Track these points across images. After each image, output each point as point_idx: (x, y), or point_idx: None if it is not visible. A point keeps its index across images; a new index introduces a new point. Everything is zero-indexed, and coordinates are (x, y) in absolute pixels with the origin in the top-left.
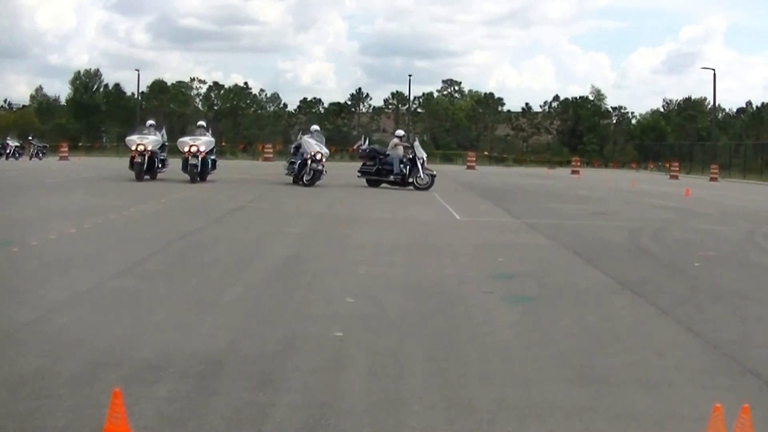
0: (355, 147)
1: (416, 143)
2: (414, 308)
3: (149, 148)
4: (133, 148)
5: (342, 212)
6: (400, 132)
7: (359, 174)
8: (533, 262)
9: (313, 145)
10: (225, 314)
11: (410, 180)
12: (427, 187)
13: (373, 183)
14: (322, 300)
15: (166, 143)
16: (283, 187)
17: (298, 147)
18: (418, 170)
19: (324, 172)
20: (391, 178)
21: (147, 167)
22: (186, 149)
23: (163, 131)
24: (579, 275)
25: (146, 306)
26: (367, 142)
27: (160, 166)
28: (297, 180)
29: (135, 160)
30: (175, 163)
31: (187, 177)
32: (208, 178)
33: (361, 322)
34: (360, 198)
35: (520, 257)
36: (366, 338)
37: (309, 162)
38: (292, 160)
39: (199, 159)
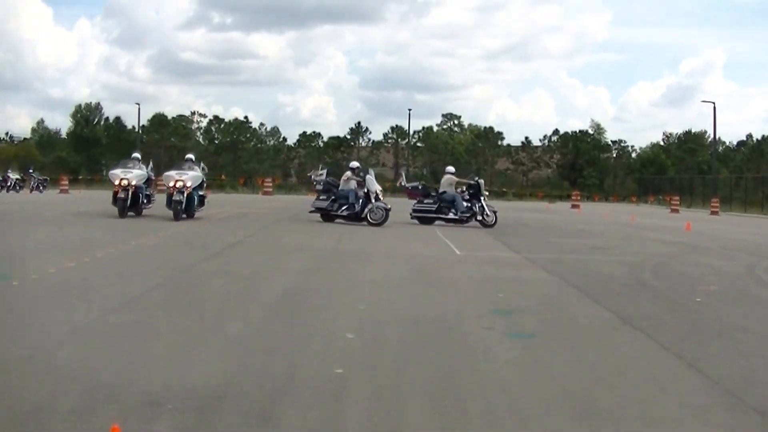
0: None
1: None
2: (414, 344)
3: (133, 182)
4: (117, 182)
5: (341, 247)
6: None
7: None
8: (534, 297)
9: (376, 183)
10: (224, 349)
11: (363, 215)
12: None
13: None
14: (322, 335)
15: (153, 177)
16: (281, 221)
17: (329, 183)
18: (371, 204)
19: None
20: (345, 212)
21: (131, 203)
22: (171, 184)
23: (150, 165)
24: (579, 310)
25: (145, 340)
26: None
27: (145, 201)
28: (331, 217)
29: (118, 195)
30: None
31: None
32: (197, 215)
33: (360, 358)
34: (358, 233)
35: (520, 292)
36: (366, 374)
37: (374, 200)
38: (326, 197)
39: (185, 195)
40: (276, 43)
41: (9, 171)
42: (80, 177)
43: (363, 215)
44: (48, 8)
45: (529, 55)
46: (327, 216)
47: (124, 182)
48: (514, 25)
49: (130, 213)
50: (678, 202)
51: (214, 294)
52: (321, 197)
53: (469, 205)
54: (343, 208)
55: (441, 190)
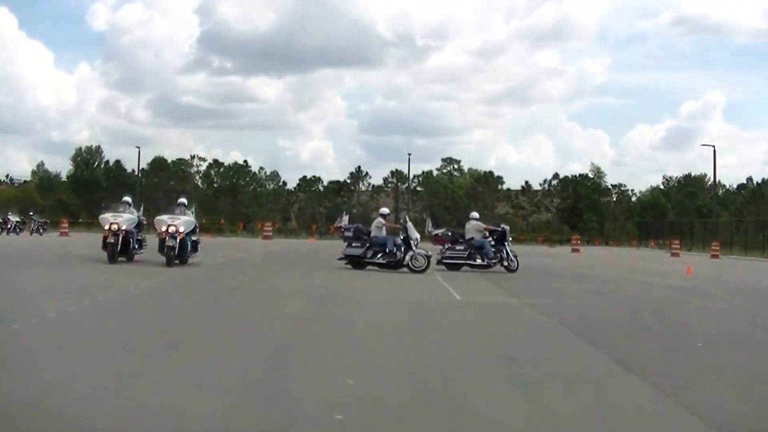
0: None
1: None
2: (415, 391)
3: (123, 227)
4: (106, 227)
5: (341, 292)
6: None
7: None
8: (534, 343)
9: (415, 230)
10: (223, 396)
11: (405, 262)
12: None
13: (358, 265)
14: (322, 381)
15: (144, 221)
16: (280, 266)
17: (359, 230)
18: (413, 251)
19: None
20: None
21: (121, 248)
22: (163, 229)
23: (141, 209)
24: (580, 356)
25: (144, 386)
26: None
27: (136, 247)
28: (363, 265)
29: (108, 240)
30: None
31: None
32: (190, 260)
33: (361, 405)
34: (357, 278)
35: (520, 338)
36: (366, 421)
37: (415, 247)
38: (359, 244)
39: (178, 240)
40: (275, 87)
41: (9, 213)
42: (80, 220)
43: (405, 262)
44: (49, 52)
45: (529, 99)
46: (358, 263)
47: (114, 227)
48: (514, 69)
49: (120, 258)
50: (678, 246)
51: (214, 339)
52: (354, 244)
53: (494, 250)
54: (379, 255)
55: (468, 236)
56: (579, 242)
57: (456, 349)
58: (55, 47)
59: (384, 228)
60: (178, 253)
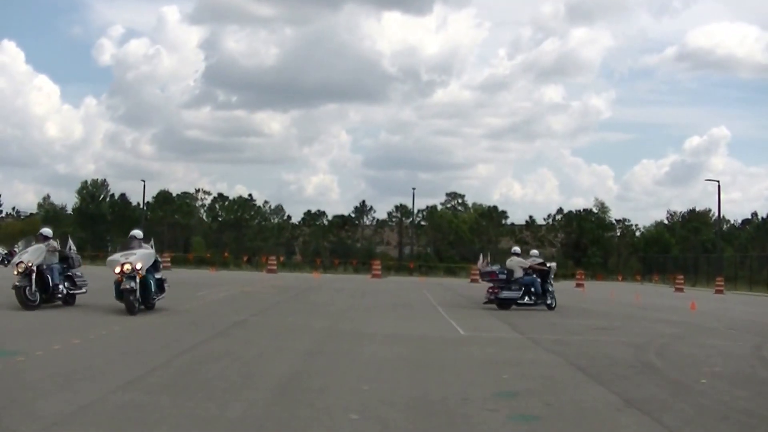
0: (482, 270)
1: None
2: (418, 426)
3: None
4: (117, 270)
5: (344, 327)
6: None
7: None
8: (537, 379)
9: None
10: (228, 431)
11: (548, 302)
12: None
13: (505, 306)
14: (326, 416)
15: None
16: (284, 300)
17: (510, 272)
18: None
19: None
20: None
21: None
22: (117, 270)
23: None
24: (584, 392)
25: (149, 421)
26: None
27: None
28: (508, 306)
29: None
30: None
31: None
32: (157, 305)
33: None
34: (360, 313)
35: (524, 374)
36: None
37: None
38: (516, 287)
39: (138, 280)
40: (280, 121)
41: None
42: (85, 253)
43: (548, 302)
44: (55, 86)
45: (533, 134)
46: (505, 305)
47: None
48: (518, 104)
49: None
50: (682, 281)
51: (218, 375)
52: (513, 288)
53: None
54: (526, 297)
55: (516, 275)
56: (583, 277)
57: (459, 384)
58: (61, 81)
59: (519, 268)
60: (142, 296)
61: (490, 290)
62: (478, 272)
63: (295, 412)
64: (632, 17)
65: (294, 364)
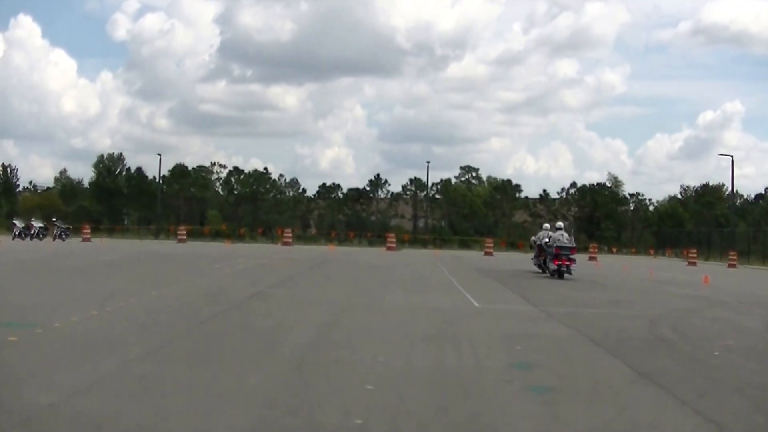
0: (558, 241)
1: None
2: (433, 397)
3: None
4: None
5: (360, 299)
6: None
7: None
8: (552, 351)
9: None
10: (245, 402)
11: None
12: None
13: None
14: (342, 387)
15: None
16: (300, 273)
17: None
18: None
19: None
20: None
21: None
22: None
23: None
24: (598, 365)
25: (167, 392)
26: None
27: None
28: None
29: None
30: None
31: None
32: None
33: (380, 412)
34: (375, 285)
35: (538, 346)
36: (386, 428)
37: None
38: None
39: None
40: (296, 95)
41: (33, 220)
42: (102, 226)
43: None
44: (72, 61)
45: (547, 108)
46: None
47: None
48: (532, 78)
49: None
50: (696, 256)
51: (235, 346)
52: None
53: None
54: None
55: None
56: (596, 251)
57: (474, 356)
58: (78, 55)
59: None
60: None
61: (561, 262)
62: (545, 244)
63: (312, 383)
64: None
65: (310, 335)
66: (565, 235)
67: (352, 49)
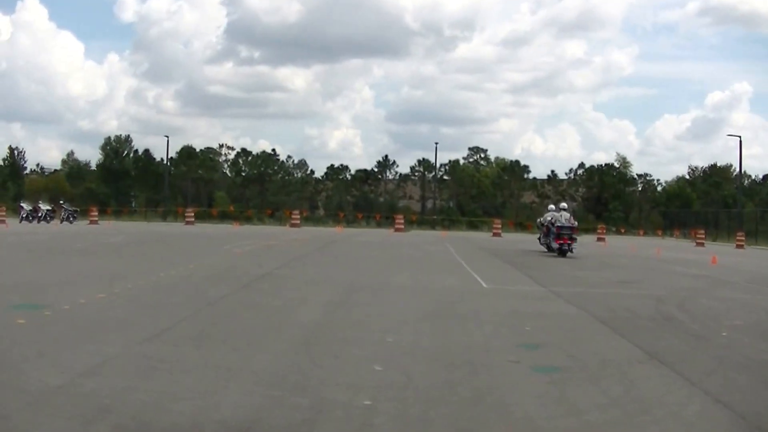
0: (560, 221)
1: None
2: (441, 377)
3: None
4: None
5: (368, 280)
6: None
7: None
8: (559, 331)
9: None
10: (252, 382)
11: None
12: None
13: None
14: (350, 367)
15: None
16: (308, 254)
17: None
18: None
19: None
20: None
21: None
22: None
23: None
24: (605, 344)
25: (175, 372)
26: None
27: None
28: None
29: None
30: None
31: None
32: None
33: (388, 391)
34: (384, 266)
35: (546, 326)
36: (394, 406)
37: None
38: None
39: None
40: (303, 76)
41: (40, 202)
42: (109, 208)
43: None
44: (79, 42)
45: (555, 89)
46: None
47: None
48: (540, 59)
49: None
50: (703, 236)
51: (243, 326)
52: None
53: None
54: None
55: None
56: (604, 231)
57: (482, 336)
58: (85, 37)
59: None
60: None
61: (562, 241)
62: (550, 224)
63: (320, 363)
64: None
65: (318, 315)
66: (566, 215)
67: (359, 30)
